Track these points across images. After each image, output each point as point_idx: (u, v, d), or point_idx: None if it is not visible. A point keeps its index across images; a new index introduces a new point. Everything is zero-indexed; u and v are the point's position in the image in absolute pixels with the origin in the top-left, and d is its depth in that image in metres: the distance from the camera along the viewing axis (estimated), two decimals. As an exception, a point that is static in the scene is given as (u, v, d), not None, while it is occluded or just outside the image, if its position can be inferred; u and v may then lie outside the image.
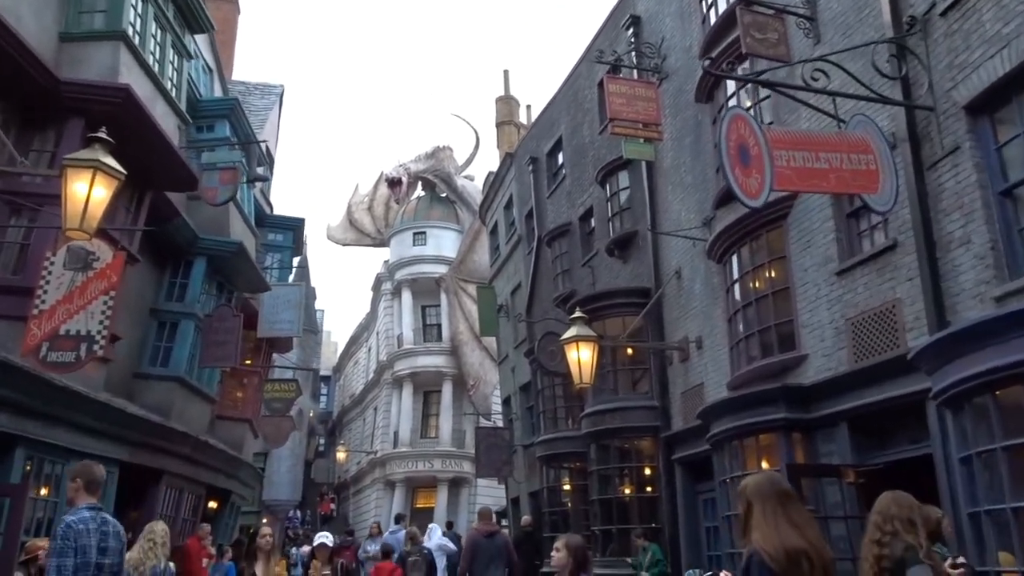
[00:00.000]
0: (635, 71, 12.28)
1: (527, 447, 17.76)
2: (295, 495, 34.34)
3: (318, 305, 41.80)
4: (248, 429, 15.86)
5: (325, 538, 8.32)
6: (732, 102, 9.45)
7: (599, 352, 10.13)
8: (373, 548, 12.91)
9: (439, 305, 32.18)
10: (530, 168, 17.50)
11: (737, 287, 9.10)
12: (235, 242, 12.15)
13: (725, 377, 9.31)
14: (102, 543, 4.46)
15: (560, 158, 16.45)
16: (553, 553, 3.95)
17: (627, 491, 11.52)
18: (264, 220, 16.99)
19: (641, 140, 11.24)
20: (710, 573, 9.03)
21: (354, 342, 43.14)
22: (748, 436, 8.09)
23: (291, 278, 17.56)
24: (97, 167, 6.15)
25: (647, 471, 11.37)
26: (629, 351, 12.31)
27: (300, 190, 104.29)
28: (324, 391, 48.05)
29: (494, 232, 21.74)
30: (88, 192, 6.11)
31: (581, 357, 9.88)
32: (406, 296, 32.46)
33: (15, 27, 7.47)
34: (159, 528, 6.80)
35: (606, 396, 11.90)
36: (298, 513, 35.77)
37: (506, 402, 20.18)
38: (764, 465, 8.16)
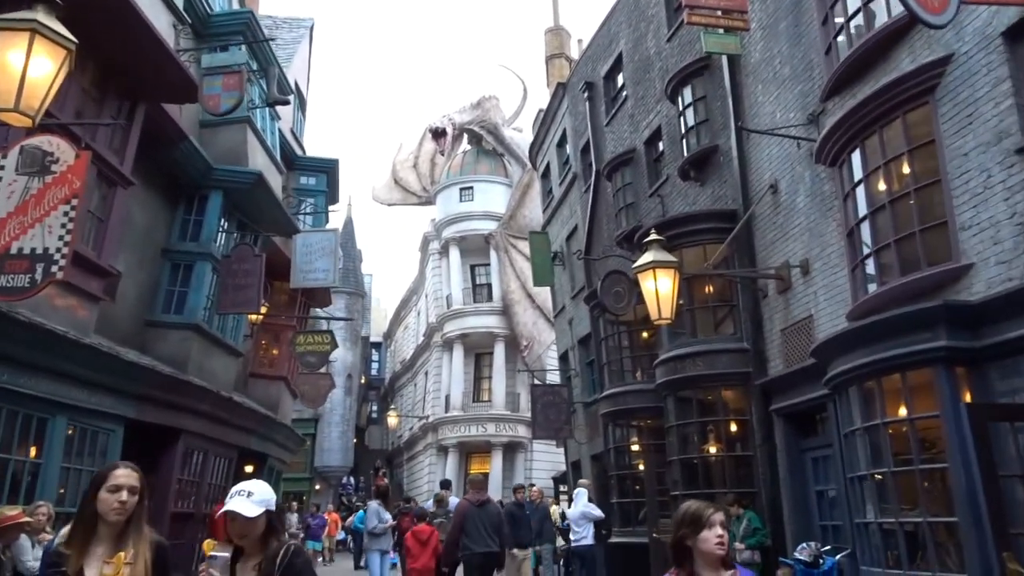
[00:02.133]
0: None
1: (588, 405, 16.15)
2: (347, 461, 33.60)
3: (365, 269, 40.83)
4: (284, 388, 14.63)
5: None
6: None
7: (679, 285, 8.36)
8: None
9: (489, 263, 30.66)
10: (585, 95, 15.60)
11: (860, 192, 7.18)
12: (253, 172, 10.67)
13: (843, 305, 7.45)
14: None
15: (620, 79, 14.52)
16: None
17: (712, 450, 9.78)
18: (294, 162, 15.55)
19: (722, 31, 9.32)
20: (828, 548, 7.28)
21: (403, 306, 42.05)
22: (888, 373, 6.25)
23: (327, 226, 16.06)
24: (36, 30, 4.63)
25: (737, 426, 9.59)
26: (708, 288, 10.49)
27: (339, 144, 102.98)
28: (375, 358, 47.38)
29: (546, 175, 19.93)
30: (25, 63, 4.61)
31: (659, 287, 8.15)
32: (454, 255, 30.98)
33: None
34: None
35: (684, 340, 10.13)
36: (351, 480, 35.08)
37: (563, 358, 18.55)
38: (903, 412, 6.33)
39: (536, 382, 19.76)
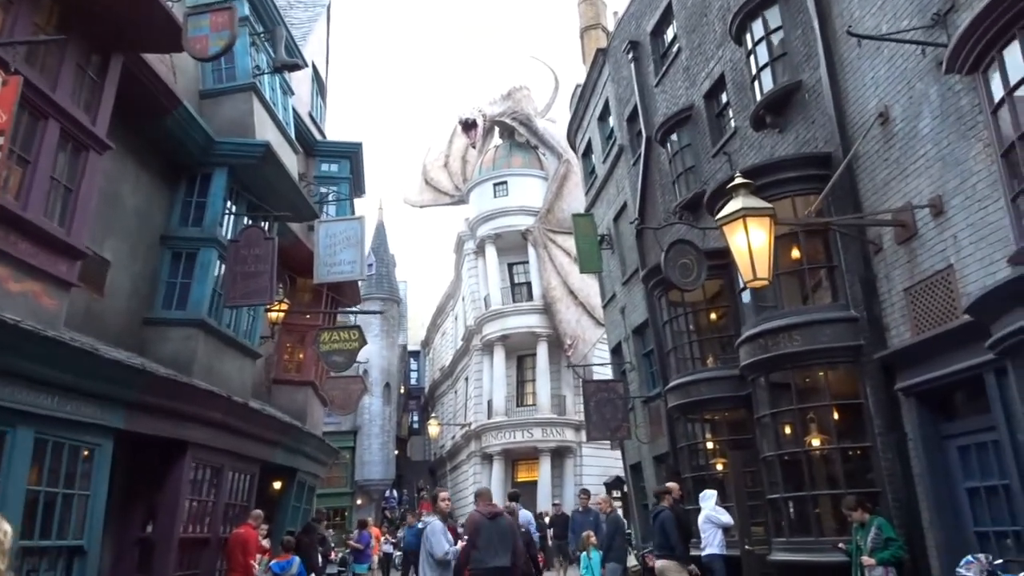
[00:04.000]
0: None
1: (648, 401, 14.50)
2: (388, 474, 32.30)
3: (399, 276, 39.61)
4: (312, 395, 13.26)
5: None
6: None
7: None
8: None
9: (527, 261, 29.15)
10: (630, 56, 14.02)
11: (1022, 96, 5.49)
12: (260, 143, 9.32)
13: (1001, 247, 5.75)
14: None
15: (670, 32, 12.92)
16: None
17: (816, 442, 8.07)
18: (314, 148, 14.25)
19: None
20: (1001, 562, 5.57)
21: (440, 312, 40.74)
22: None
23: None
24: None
25: (848, 411, 7.87)
26: (794, 253, 8.79)
27: (366, 146, 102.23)
28: (414, 366, 46.21)
29: (586, 155, 18.36)
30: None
31: (752, 241, 6.55)
32: (490, 253, 29.53)
33: None
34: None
35: (774, 312, 8.47)
36: (394, 493, 33.78)
37: (615, 351, 16.91)
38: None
39: (583, 380, 18.09)
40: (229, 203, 9.52)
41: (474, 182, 30.96)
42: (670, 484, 10.06)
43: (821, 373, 8.11)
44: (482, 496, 7.25)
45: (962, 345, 6.01)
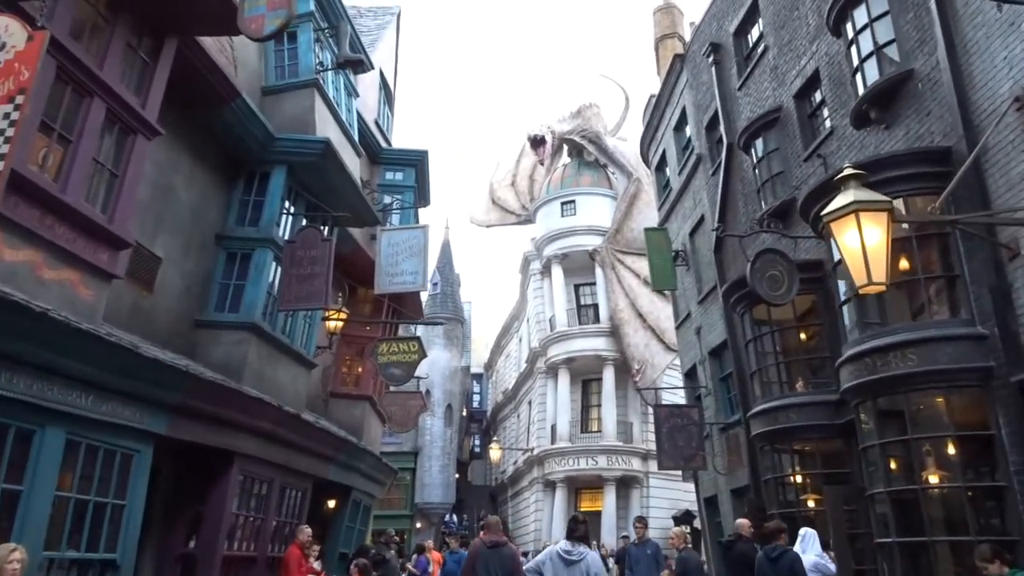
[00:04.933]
0: None
1: (726, 428, 13.43)
2: (448, 497, 31.63)
3: (464, 297, 39.27)
4: (370, 410, 12.73)
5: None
6: None
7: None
8: None
9: (594, 283, 28.26)
10: (711, 59, 13.21)
11: None
12: (320, 140, 8.89)
13: None
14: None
15: (755, 31, 12.07)
16: None
17: (934, 479, 6.98)
18: (379, 156, 13.89)
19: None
20: None
21: (504, 334, 40.11)
22: None
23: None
24: None
25: (974, 444, 6.78)
26: (903, 263, 7.76)
27: (433, 162, 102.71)
28: (477, 389, 45.71)
29: (660, 168, 17.51)
30: None
31: (866, 239, 5.63)
32: (557, 274, 28.77)
33: None
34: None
35: (879, 329, 7.45)
36: (454, 517, 33.05)
37: (689, 374, 15.88)
38: None
39: (654, 405, 17.07)
40: (287, 203, 9.11)
41: (541, 201, 30.36)
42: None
43: (940, 399, 7.04)
44: (488, 526, 7.05)
45: None
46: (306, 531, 8.61)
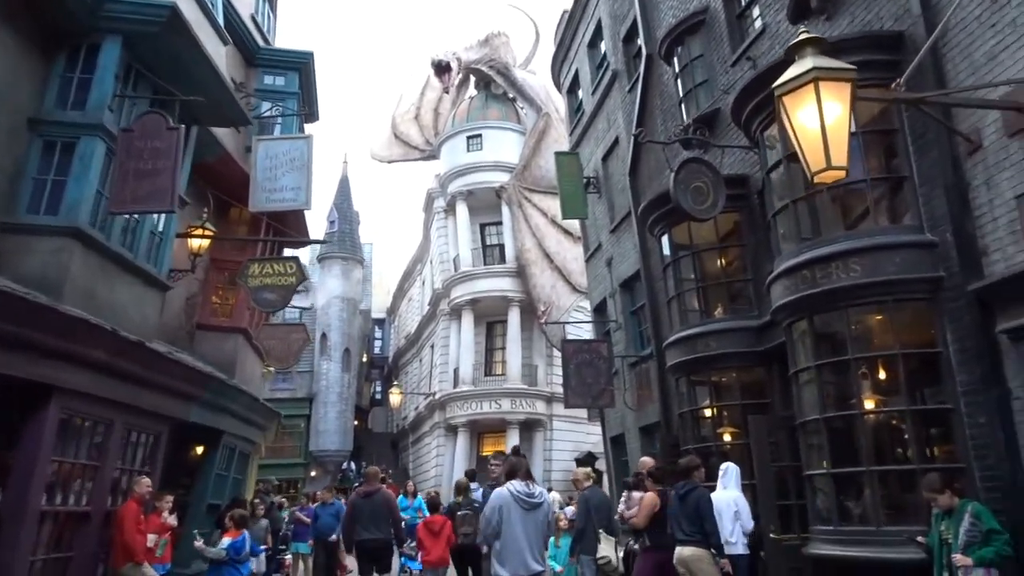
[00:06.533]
0: None
1: (636, 363, 12.72)
2: (346, 444, 30.33)
3: (364, 239, 37.31)
4: (245, 344, 11.25)
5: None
6: None
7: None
8: None
9: (500, 221, 27.12)
10: (629, -37, 12.04)
11: None
12: (164, 4, 7.18)
13: None
14: None
15: (679, -73, 10.94)
16: None
17: (874, 403, 6.28)
18: (255, 56, 12.07)
19: None
20: None
21: (407, 278, 38.58)
22: None
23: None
24: None
25: (919, 364, 6.09)
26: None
27: (331, 99, 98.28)
28: (378, 335, 44.23)
29: (572, 91, 16.35)
30: None
31: (824, 115, 4.70)
32: (461, 212, 27.43)
33: None
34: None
35: (816, 240, 6.63)
36: (352, 465, 31.81)
37: (599, 309, 15.08)
38: None
39: (562, 340, 16.22)
40: (124, 85, 7.39)
41: (446, 135, 28.77)
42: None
43: (881, 315, 6.29)
44: (367, 476, 7.92)
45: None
46: (144, 482, 7.22)
